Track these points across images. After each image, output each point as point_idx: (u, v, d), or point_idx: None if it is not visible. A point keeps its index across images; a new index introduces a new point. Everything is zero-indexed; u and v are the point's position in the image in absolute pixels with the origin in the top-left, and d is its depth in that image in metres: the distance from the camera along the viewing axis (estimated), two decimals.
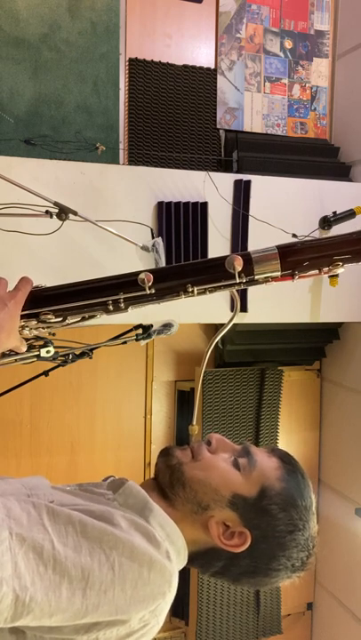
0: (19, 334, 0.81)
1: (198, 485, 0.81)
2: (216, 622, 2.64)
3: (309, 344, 2.75)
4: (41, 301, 0.82)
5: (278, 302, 2.15)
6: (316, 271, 0.81)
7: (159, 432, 2.72)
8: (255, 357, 2.72)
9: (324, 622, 2.93)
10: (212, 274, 0.81)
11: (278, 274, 0.80)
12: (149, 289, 0.80)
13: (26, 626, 0.64)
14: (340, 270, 0.81)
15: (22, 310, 0.80)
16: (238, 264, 0.78)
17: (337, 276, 2.14)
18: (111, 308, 0.82)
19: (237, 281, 0.80)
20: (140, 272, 0.80)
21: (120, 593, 0.65)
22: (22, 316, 0.81)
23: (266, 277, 0.81)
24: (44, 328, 0.84)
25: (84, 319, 0.85)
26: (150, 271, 0.80)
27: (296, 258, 0.80)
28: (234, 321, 0.94)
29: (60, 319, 0.83)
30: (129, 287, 0.81)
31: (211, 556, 0.82)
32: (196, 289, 0.81)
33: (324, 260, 0.81)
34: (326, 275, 0.82)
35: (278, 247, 0.80)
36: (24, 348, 0.85)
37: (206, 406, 2.60)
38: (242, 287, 0.82)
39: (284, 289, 2.14)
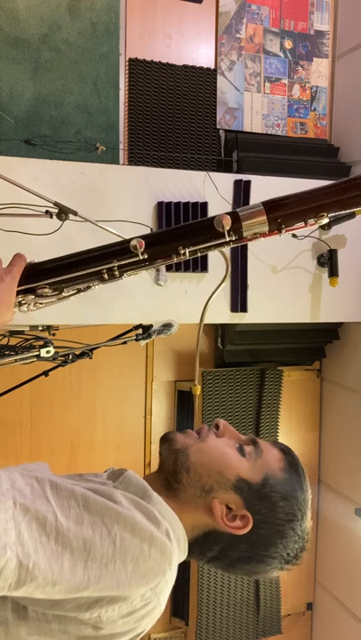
0: (12, 308, 0.83)
1: (203, 469, 0.82)
2: (216, 622, 2.64)
3: (309, 344, 2.75)
4: (36, 276, 0.84)
5: (278, 302, 2.15)
6: (302, 224, 0.84)
7: (159, 432, 2.72)
8: (255, 357, 2.72)
9: (324, 622, 2.93)
10: (202, 234, 0.83)
11: (266, 229, 0.83)
12: (142, 254, 0.81)
13: (29, 598, 0.64)
14: (324, 221, 0.84)
15: (19, 286, 0.81)
16: (227, 222, 0.81)
17: (337, 276, 2.14)
18: (106, 276, 0.83)
19: (227, 239, 0.82)
20: (132, 239, 0.82)
21: (121, 567, 0.66)
22: (19, 292, 0.82)
23: (254, 233, 0.83)
24: (41, 303, 0.85)
25: (79, 291, 0.86)
26: (142, 237, 0.82)
27: (281, 212, 0.82)
28: (224, 283, 0.95)
29: (57, 292, 0.84)
30: (122, 254, 0.83)
31: (209, 540, 0.82)
32: (187, 251, 0.83)
33: (309, 212, 0.83)
34: (312, 226, 0.84)
35: (264, 203, 0.83)
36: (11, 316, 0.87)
37: (206, 406, 2.60)
38: (232, 245, 0.84)
39: (285, 289, 2.14)
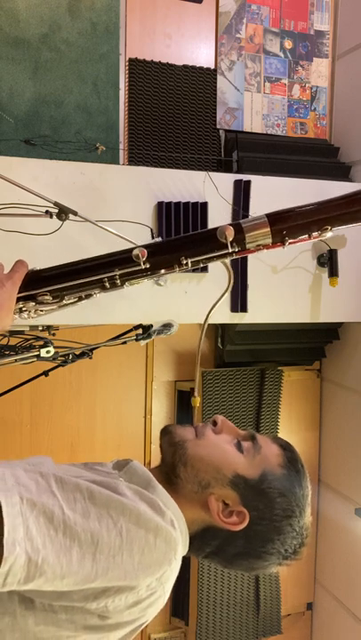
0: (12, 314, 0.82)
1: (200, 463, 0.83)
2: (216, 622, 2.64)
3: (309, 344, 2.75)
4: (37, 282, 0.83)
5: (278, 302, 2.15)
6: (306, 236, 0.83)
7: (159, 432, 2.71)
8: (255, 357, 2.72)
9: (324, 622, 2.93)
10: (205, 245, 0.83)
11: (269, 241, 0.82)
12: (144, 264, 0.81)
13: (36, 591, 0.64)
14: (328, 234, 0.83)
15: (19, 292, 0.81)
16: (230, 234, 0.80)
17: (337, 276, 2.14)
18: (107, 285, 0.83)
19: (230, 250, 0.81)
20: (135, 248, 0.81)
21: (128, 558, 0.66)
22: (20, 298, 0.82)
23: (258, 245, 0.82)
24: (42, 310, 0.85)
25: (80, 299, 0.86)
26: (145, 246, 0.82)
27: (285, 225, 0.82)
28: (226, 294, 0.95)
29: (58, 300, 0.84)
30: (124, 263, 0.82)
31: (207, 535, 0.83)
32: (190, 261, 0.82)
33: (313, 225, 0.82)
34: (316, 239, 0.84)
35: (268, 215, 0.83)
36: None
37: (206, 406, 2.60)
38: (234, 256, 0.83)
39: (285, 289, 2.14)
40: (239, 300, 2.05)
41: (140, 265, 0.81)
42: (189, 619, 2.67)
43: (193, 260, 0.83)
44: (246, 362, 2.72)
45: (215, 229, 0.81)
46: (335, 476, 2.81)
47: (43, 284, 0.83)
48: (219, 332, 2.69)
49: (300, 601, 2.98)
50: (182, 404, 2.74)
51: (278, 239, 0.82)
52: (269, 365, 2.74)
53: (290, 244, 0.83)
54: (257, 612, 2.73)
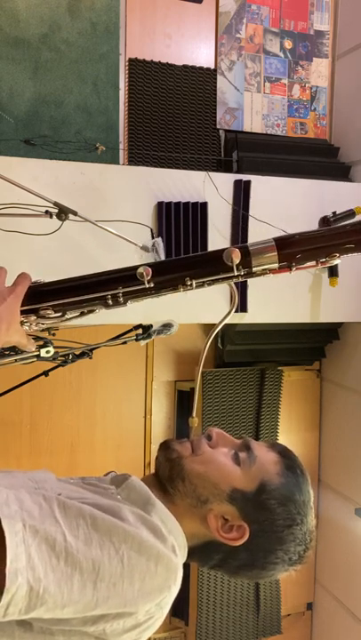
0: (22, 329, 0.81)
1: (198, 479, 0.82)
2: (216, 622, 2.64)
3: (309, 344, 2.75)
4: (40, 296, 0.82)
5: (278, 302, 2.15)
6: (314, 262, 0.81)
7: (159, 432, 2.72)
8: (255, 357, 2.72)
9: (324, 622, 2.93)
10: (210, 267, 0.81)
11: (276, 265, 0.80)
12: (148, 283, 0.79)
13: (36, 618, 0.64)
14: (336, 261, 0.82)
15: (22, 306, 0.80)
16: (236, 257, 0.78)
17: (337, 276, 2.14)
18: (110, 302, 0.82)
19: (235, 273, 0.80)
20: (139, 266, 0.80)
21: (129, 586, 0.66)
22: (22, 312, 0.80)
23: (264, 269, 0.81)
24: (43, 324, 0.84)
25: (83, 314, 0.85)
26: (149, 265, 0.80)
27: (293, 250, 0.80)
28: (231, 316, 0.93)
29: (60, 314, 0.83)
30: (128, 281, 0.81)
31: (209, 549, 0.82)
32: (194, 282, 0.81)
33: (320, 251, 0.81)
34: (323, 266, 0.82)
35: (275, 239, 0.81)
36: (32, 347, 0.85)
37: (206, 406, 2.60)
38: (240, 280, 0.82)
39: (285, 289, 2.14)
40: (239, 300, 2.05)
41: (144, 284, 0.79)
42: (189, 619, 2.67)
43: (198, 281, 0.81)
44: (246, 362, 2.72)
45: (222, 251, 0.80)
46: (335, 476, 2.81)
47: (45, 298, 0.81)
48: (219, 332, 2.69)
49: (300, 601, 2.98)
50: (182, 404, 2.74)
51: (285, 264, 0.80)
52: (269, 365, 2.74)
53: (297, 269, 0.81)
54: (257, 612, 2.73)
